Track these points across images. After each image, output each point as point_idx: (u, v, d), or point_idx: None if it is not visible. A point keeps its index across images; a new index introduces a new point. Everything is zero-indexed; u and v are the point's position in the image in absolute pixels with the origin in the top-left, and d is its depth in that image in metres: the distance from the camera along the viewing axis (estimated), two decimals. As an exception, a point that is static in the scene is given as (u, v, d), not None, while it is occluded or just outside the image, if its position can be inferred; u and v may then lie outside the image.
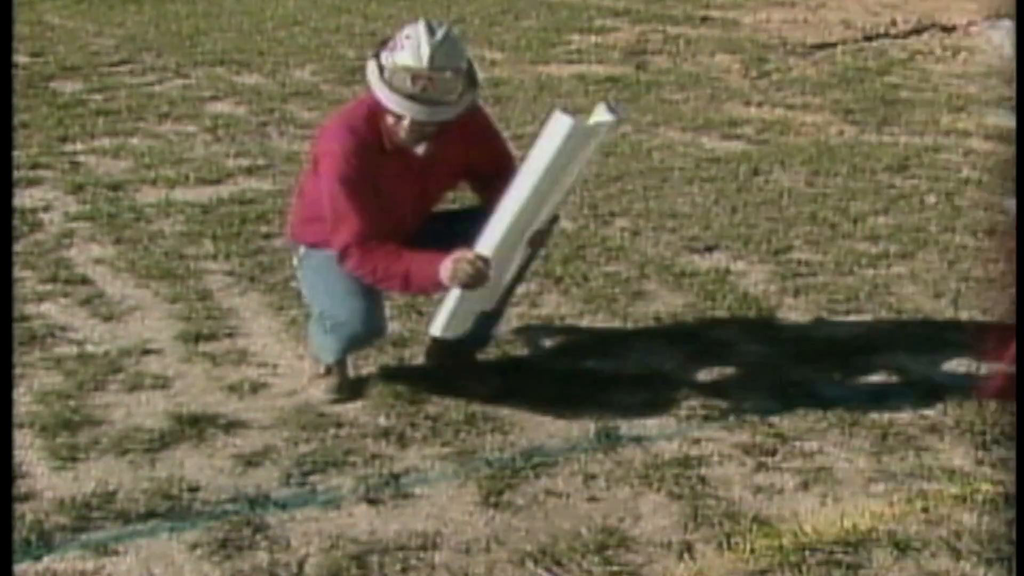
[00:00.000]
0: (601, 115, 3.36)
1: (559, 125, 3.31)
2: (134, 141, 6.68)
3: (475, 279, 3.44)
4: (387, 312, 3.87)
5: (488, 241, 3.47)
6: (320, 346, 3.87)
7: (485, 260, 3.44)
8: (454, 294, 3.56)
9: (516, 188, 3.44)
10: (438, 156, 3.63)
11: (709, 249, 5.12)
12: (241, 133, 6.86)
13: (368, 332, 3.74)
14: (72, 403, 3.76)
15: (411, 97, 3.44)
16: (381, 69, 3.47)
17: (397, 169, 3.58)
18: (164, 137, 6.79)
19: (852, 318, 4.48)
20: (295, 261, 3.94)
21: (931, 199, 5.75)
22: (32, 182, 5.90)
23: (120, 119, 7.13)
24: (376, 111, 3.54)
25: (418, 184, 3.65)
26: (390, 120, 3.52)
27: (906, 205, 5.67)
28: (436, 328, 3.69)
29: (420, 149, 3.60)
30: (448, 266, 3.43)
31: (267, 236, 5.17)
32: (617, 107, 3.38)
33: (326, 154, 3.59)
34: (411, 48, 3.42)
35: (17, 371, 3.91)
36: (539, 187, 3.38)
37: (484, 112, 3.80)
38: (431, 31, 3.44)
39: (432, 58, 3.40)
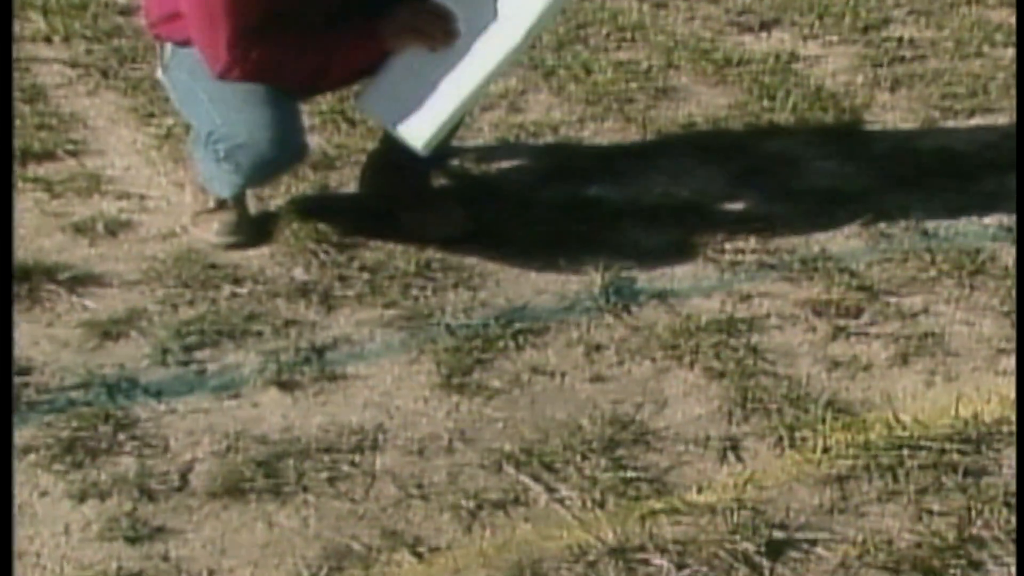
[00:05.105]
0: None
1: None
2: None
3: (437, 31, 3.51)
4: (305, 122, 3.82)
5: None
6: (212, 178, 3.83)
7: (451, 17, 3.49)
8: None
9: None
10: None
11: (766, 25, 5.14)
12: None
13: (282, 154, 3.68)
14: None
15: None
16: None
17: None
18: None
19: (976, 121, 4.50)
20: (160, 62, 3.89)
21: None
22: None
23: None
24: None
25: None
26: None
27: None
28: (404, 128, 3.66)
29: None
30: (402, 17, 3.49)
31: (126, 11, 5.15)
32: None
33: None
34: None
35: None
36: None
37: None
38: None
39: None
